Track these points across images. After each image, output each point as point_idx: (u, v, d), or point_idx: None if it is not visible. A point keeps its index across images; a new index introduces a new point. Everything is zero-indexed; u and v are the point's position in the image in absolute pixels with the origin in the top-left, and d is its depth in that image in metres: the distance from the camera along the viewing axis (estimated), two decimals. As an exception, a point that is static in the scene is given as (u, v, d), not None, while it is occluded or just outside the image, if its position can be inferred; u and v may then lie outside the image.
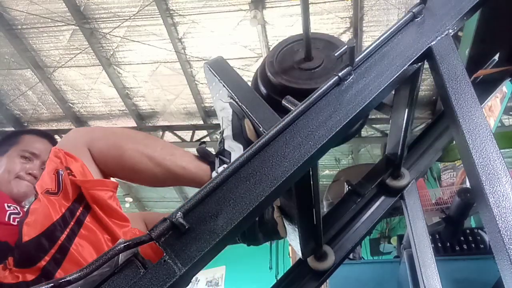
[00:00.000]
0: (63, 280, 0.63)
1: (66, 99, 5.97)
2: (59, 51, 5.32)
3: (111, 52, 5.26)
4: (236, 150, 1.02)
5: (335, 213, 1.19)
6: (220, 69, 1.13)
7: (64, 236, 0.87)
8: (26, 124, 6.35)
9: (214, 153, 1.08)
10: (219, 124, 1.11)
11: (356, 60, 0.84)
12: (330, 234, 1.14)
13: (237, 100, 1.04)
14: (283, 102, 0.90)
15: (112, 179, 1.04)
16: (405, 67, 0.85)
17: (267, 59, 1.15)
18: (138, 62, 5.37)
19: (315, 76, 1.06)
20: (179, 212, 0.67)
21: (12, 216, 1.11)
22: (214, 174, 1.01)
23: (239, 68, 5.16)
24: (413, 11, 0.90)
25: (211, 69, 1.13)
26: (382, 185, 1.20)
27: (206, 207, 0.70)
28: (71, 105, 6.08)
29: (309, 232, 1.01)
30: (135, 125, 6.13)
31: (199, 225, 0.68)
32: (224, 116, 1.07)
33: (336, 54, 0.86)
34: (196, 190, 0.72)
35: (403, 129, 1.06)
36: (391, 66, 0.85)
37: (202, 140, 1.10)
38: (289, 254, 5.21)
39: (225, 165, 1.01)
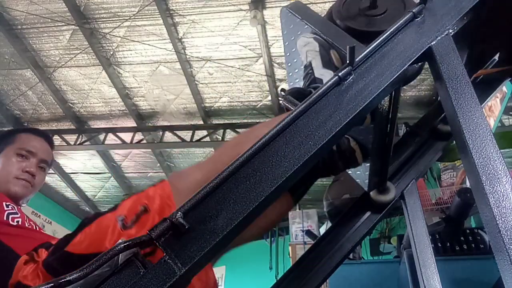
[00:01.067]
0: (63, 280, 0.63)
1: (66, 99, 5.97)
2: (59, 51, 5.32)
3: (111, 52, 5.26)
4: (327, 76, 1.09)
5: (396, 151, 1.24)
6: (302, 10, 1.25)
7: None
8: (26, 124, 6.34)
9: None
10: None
11: (356, 60, 0.84)
12: (391, 171, 1.20)
13: (322, 34, 1.14)
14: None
15: None
16: (405, 67, 0.85)
17: (333, 8, 1.24)
18: (138, 62, 5.37)
19: (381, 21, 1.14)
20: (179, 212, 0.67)
21: (11, 216, 1.11)
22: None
23: (239, 68, 5.17)
24: (413, 11, 0.90)
25: (291, 12, 1.24)
26: (433, 130, 1.29)
27: (206, 207, 0.70)
28: (71, 105, 6.08)
29: (380, 163, 1.09)
30: (135, 125, 6.14)
31: (199, 225, 0.68)
32: (310, 50, 1.15)
33: None
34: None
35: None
36: (391, 66, 0.85)
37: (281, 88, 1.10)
38: (289, 254, 5.21)
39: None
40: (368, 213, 1.18)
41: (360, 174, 1.22)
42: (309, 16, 1.22)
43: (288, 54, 1.30)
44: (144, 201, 0.81)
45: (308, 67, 1.16)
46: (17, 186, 1.31)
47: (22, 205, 1.36)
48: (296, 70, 1.30)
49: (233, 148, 0.98)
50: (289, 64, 1.31)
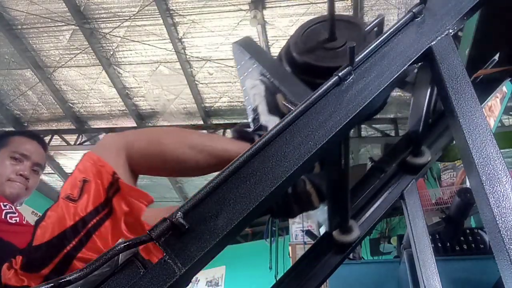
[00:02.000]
0: (63, 280, 0.63)
1: (66, 99, 5.97)
2: (59, 51, 5.32)
3: (111, 52, 5.26)
4: (272, 123, 1.05)
5: (360, 188, 1.21)
6: (251, 48, 1.18)
7: (71, 246, 0.85)
8: (26, 124, 6.35)
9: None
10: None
11: (356, 60, 0.84)
12: (355, 209, 1.17)
13: (269, 76, 1.08)
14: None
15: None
16: (405, 67, 0.85)
17: (290, 40, 1.18)
18: (138, 62, 5.37)
19: (339, 55, 1.08)
20: (179, 212, 0.67)
21: (9, 215, 1.12)
22: None
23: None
24: (413, 11, 0.90)
25: (241, 48, 1.17)
26: (403, 163, 1.22)
27: (206, 207, 0.70)
28: (71, 105, 6.08)
29: (338, 206, 1.05)
30: (135, 125, 6.13)
31: (199, 225, 0.68)
32: (256, 93, 1.10)
33: (367, 29, 0.85)
34: (200, 185, 0.72)
35: (424, 107, 1.07)
36: (391, 66, 0.85)
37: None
38: (289, 254, 5.20)
39: None
40: (330, 254, 1.14)
41: (321, 214, 1.14)
42: (258, 54, 1.15)
43: (244, 88, 1.22)
44: (81, 176, 0.90)
45: (255, 111, 1.11)
46: (12, 188, 1.31)
47: (17, 207, 1.37)
48: (250, 107, 1.22)
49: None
50: (246, 98, 1.22)
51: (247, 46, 1.18)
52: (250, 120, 1.14)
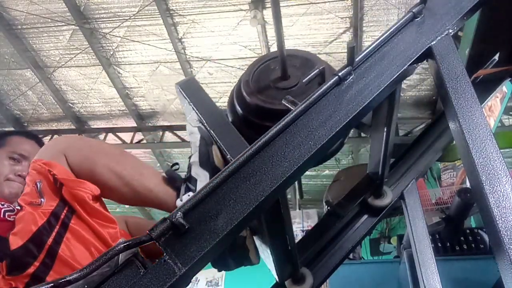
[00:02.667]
0: (63, 280, 0.63)
1: (66, 99, 5.97)
2: (59, 51, 5.32)
3: (111, 52, 5.26)
4: (202, 178, 0.98)
5: (314, 235, 1.18)
6: (191, 91, 1.08)
7: (51, 239, 0.88)
8: (26, 124, 6.35)
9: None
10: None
11: (356, 60, 0.84)
12: (309, 257, 1.13)
13: (205, 124, 1.01)
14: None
15: None
16: (405, 67, 0.85)
17: (243, 77, 1.11)
18: (138, 62, 5.36)
19: (291, 96, 0.97)
20: (179, 212, 0.67)
21: (7, 213, 1.12)
22: (178, 202, 0.98)
23: (239, 68, 5.17)
24: (413, 11, 0.90)
25: (181, 91, 1.09)
26: (364, 204, 1.18)
27: (206, 207, 0.70)
28: (71, 105, 6.08)
29: (284, 257, 1.00)
30: (135, 125, 6.13)
31: (199, 225, 0.68)
32: (192, 142, 1.04)
33: (304, 80, 0.84)
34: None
35: (382, 149, 1.05)
36: (391, 66, 0.85)
37: (174, 162, 1.09)
38: (289, 254, 5.21)
39: (191, 193, 0.97)
40: None
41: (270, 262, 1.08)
42: (199, 100, 1.06)
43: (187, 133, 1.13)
44: (34, 179, 0.95)
45: (189, 160, 1.05)
46: (10, 188, 1.32)
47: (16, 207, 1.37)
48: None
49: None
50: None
51: (188, 89, 1.08)
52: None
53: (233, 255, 1.00)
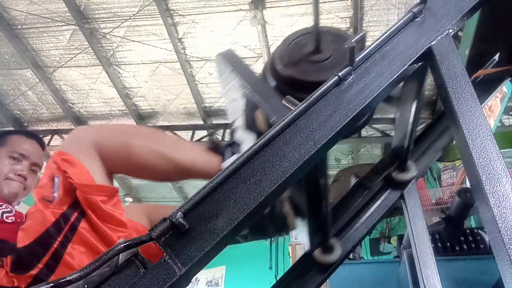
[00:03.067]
0: (63, 280, 0.63)
1: (66, 99, 5.97)
2: (59, 51, 5.32)
3: (111, 52, 5.26)
4: (247, 140, 1.02)
5: (343, 205, 1.18)
6: (233, 60, 1.14)
7: (57, 242, 0.86)
8: (26, 124, 6.35)
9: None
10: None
11: (356, 60, 0.84)
12: (338, 227, 1.14)
13: (249, 91, 1.04)
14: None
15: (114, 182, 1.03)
16: (405, 67, 0.85)
17: (276, 53, 1.15)
18: (138, 62, 5.37)
19: (324, 68, 1.06)
20: (179, 212, 0.67)
21: (5, 215, 1.12)
22: (224, 165, 1.00)
23: (239, 68, 5.16)
24: (413, 11, 0.90)
25: (224, 60, 1.14)
26: (388, 179, 1.19)
27: (206, 207, 0.70)
28: (71, 105, 6.08)
29: (318, 224, 1.01)
30: (135, 125, 6.13)
31: (199, 225, 0.68)
32: (236, 107, 1.07)
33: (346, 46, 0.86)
34: (200, 185, 0.72)
35: (410, 122, 1.06)
36: (391, 66, 0.85)
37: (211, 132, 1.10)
38: (289, 254, 5.21)
39: (235, 156, 1.00)
40: (311, 273, 1.09)
41: (300, 233, 1.10)
42: (241, 69, 1.11)
43: (226, 100, 1.20)
44: (53, 174, 0.91)
45: (233, 124, 1.08)
46: (10, 187, 1.31)
47: (15, 207, 1.36)
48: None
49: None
50: (229, 111, 1.20)
51: (230, 59, 1.15)
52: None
53: (273, 221, 1.02)
